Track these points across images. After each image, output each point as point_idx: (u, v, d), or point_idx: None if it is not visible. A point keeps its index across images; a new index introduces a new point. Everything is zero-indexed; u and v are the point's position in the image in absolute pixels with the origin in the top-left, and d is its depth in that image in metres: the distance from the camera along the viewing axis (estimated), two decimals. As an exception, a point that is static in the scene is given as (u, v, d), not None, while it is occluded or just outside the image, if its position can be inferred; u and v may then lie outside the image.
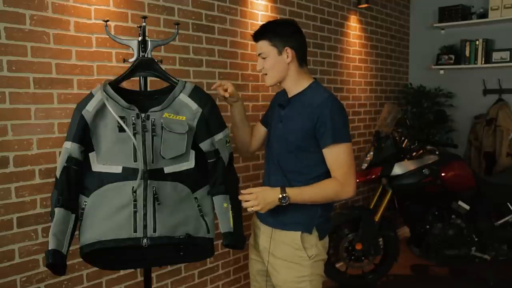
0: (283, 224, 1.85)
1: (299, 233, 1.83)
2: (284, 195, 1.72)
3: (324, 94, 1.80)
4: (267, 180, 1.95)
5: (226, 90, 1.90)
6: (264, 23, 1.88)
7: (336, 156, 1.76)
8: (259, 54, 1.83)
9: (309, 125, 1.76)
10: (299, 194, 1.75)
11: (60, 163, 1.66)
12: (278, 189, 1.74)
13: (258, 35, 1.82)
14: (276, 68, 1.81)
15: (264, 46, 1.80)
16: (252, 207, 1.72)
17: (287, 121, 1.85)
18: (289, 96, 1.89)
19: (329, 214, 1.92)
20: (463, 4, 4.50)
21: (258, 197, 1.72)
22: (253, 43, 1.86)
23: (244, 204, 1.75)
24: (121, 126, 1.62)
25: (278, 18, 3.22)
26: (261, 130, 2.08)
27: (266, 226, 1.92)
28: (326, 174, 1.81)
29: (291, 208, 1.78)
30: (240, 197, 1.76)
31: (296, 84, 1.85)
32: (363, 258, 3.33)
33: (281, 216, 1.83)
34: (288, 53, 1.79)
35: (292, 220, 1.84)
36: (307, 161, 1.81)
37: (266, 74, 1.85)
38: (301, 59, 1.84)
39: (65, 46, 2.13)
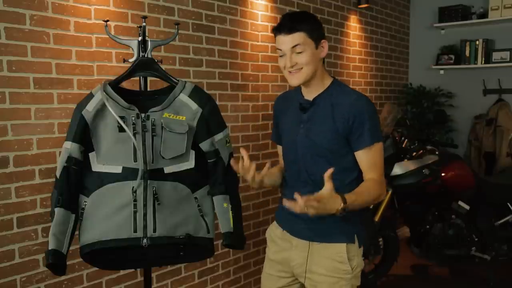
0: (324, 236, 1.68)
1: (344, 245, 1.67)
2: (345, 205, 1.49)
3: (355, 92, 1.68)
4: (290, 195, 1.61)
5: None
6: (291, 13, 1.70)
7: (374, 156, 1.64)
8: (293, 47, 1.59)
9: (342, 126, 1.61)
10: (355, 200, 1.55)
11: (60, 163, 1.66)
12: (339, 198, 1.49)
13: (294, 26, 1.58)
14: (312, 64, 1.62)
15: (301, 38, 1.58)
16: (305, 208, 1.44)
17: (312, 124, 1.68)
18: (308, 96, 1.72)
19: (363, 217, 1.77)
20: (463, 4, 4.50)
21: (319, 207, 1.44)
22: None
23: (305, 208, 1.44)
24: (121, 126, 1.62)
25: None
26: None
27: (300, 240, 1.72)
28: (359, 179, 1.67)
29: (329, 216, 1.55)
30: (301, 197, 1.43)
31: (320, 83, 1.69)
32: (363, 258, 3.32)
33: (320, 226, 1.66)
34: (324, 47, 1.63)
35: (333, 231, 1.66)
36: (341, 166, 1.64)
37: (300, 70, 1.62)
38: None
39: (65, 46, 2.13)
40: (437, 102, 4.66)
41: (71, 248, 1.69)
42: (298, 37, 1.59)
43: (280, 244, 1.80)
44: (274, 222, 1.88)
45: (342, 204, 1.48)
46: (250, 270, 3.20)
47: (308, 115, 1.71)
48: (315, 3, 3.59)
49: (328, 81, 1.71)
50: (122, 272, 2.43)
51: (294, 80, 1.65)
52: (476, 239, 3.42)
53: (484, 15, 4.36)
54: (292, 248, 1.75)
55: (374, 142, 1.63)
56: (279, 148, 1.88)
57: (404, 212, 3.56)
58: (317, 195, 1.46)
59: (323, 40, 1.64)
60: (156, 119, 1.68)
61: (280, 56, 1.65)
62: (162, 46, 2.44)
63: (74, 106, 1.72)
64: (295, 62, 1.61)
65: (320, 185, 1.60)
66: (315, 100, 1.70)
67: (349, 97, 1.65)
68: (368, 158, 1.65)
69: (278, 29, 1.62)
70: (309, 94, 1.72)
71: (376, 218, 3.30)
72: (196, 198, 1.75)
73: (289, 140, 1.77)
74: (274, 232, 1.85)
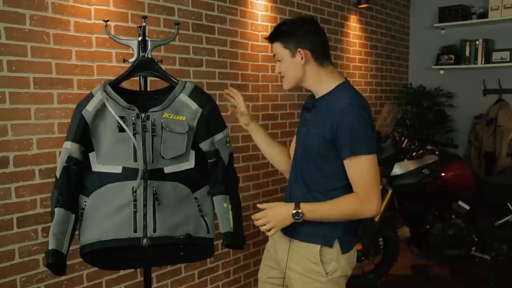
0: (301, 235, 1.71)
1: (318, 246, 1.68)
2: (298, 210, 1.59)
3: (348, 99, 1.62)
4: (288, 191, 1.81)
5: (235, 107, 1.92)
6: (279, 23, 1.77)
7: (357, 169, 1.60)
8: (274, 55, 1.74)
9: (329, 132, 1.61)
10: (313, 210, 1.62)
11: (60, 163, 1.66)
12: (292, 204, 1.62)
13: (272, 37, 1.72)
14: (291, 71, 1.70)
15: (278, 48, 1.70)
16: (264, 225, 1.62)
17: (310, 126, 1.72)
18: (316, 98, 1.75)
19: (355, 226, 1.73)
20: (463, 4, 4.50)
21: (268, 215, 1.62)
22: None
23: (256, 223, 1.66)
24: (121, 126, 1.62)
25: (278, 17, 3.23)
26: None
27: (285, 236, 1.78)
28: (348, 187, 1.64)
29: None
30: (252, 217, 1.68)
31: (320, 86, 1.71)
32: (363, 258, 3.32)
33: (300, 225, 1.67)
34: (302, 55, 1.65)
35: (311, 231, 1.69)
36: (327, 171, 1.67)
37: (284, 76, 1.74)
38: (321, 59, 1.69)
39: (65, 46, 2.13)
40: (437, 102, 4.66)
41: (71, 248, 1.69)
42: (275, 47, 1.72)
43: (274, 238, 1.87)
44: None
45: (293, 210, 1.60)
46: (250, 270, 3.20)
47: (309, 116, 1.74)
48: (315, 3, 3.59)
49: (334, 83, 1.69)
50: (122, 272, 2.43)
51: (283, 85, 1.78)
52: (476, 239, 3.42)
53: (484, 15, 4.36)
54: (280, 243, 1.81)
55: (354, 155, 1.58)
56: (294, 138, 1.92)
57: (404, 212, 3.56)
58: (256, 215, 1.66)
59: (299, 49, 1.66)
60: (156, 119, 1.68)
61: None
62: (162, 46, 2.44)
63: (74, 106, 1.72)
64: (279, 70, 1.74)
65: (309, 187, 1.70)
66: (316, 102, 1.73)
67: (341, 103, 1.62)
68: (351, 170, 1.62)
69: None
70: (316, 96, 1.75)
71: (376, 218, 3.30)
72: (196, 198, 1.75)
73: (296, 138, 1.84)
74: None
